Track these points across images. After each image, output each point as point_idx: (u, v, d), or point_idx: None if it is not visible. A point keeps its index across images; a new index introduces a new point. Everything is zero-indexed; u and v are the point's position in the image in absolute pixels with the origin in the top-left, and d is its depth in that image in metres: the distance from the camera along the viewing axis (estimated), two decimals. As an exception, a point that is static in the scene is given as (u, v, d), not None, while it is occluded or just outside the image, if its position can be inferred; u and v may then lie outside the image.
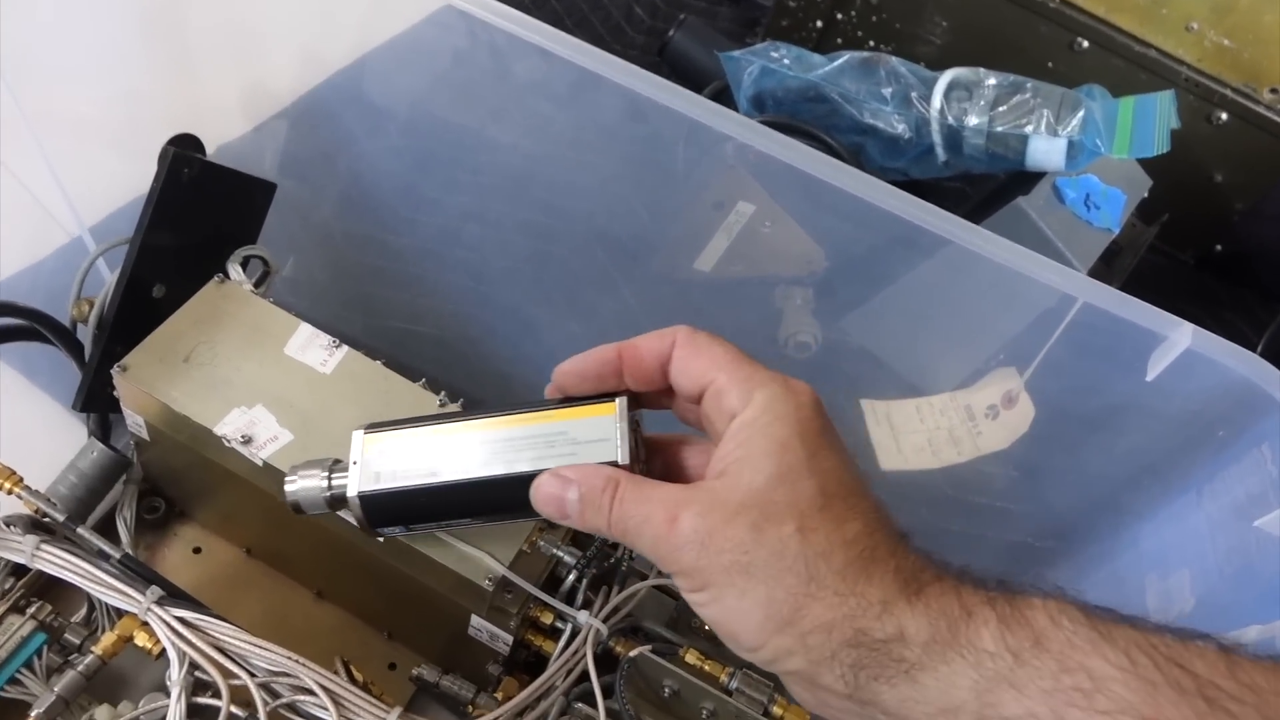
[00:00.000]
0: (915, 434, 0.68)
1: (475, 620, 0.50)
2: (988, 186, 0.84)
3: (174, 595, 0.44)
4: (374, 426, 0.44)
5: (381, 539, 0.46)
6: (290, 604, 0.59)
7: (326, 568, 0.57)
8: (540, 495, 0.39)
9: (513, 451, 0.41)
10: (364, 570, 0.52)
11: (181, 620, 0.43)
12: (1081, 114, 0.65)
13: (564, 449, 0.41)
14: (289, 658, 0.43)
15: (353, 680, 0.46)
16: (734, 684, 0.48)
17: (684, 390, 0.40)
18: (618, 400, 0.41)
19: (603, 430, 0.41)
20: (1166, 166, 0.74)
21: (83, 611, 0.50)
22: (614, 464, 0.40)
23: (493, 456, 0.41)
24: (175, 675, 0.42)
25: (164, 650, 0.43)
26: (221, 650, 0.43)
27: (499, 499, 0.41)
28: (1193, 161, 0.86)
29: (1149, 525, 0.60)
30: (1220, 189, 0.89)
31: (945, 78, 0.69)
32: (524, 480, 0.40)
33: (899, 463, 0.69)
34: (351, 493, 0.42)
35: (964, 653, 0.32)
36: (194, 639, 0.42)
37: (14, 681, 0.43)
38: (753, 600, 0.33)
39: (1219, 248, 0.93)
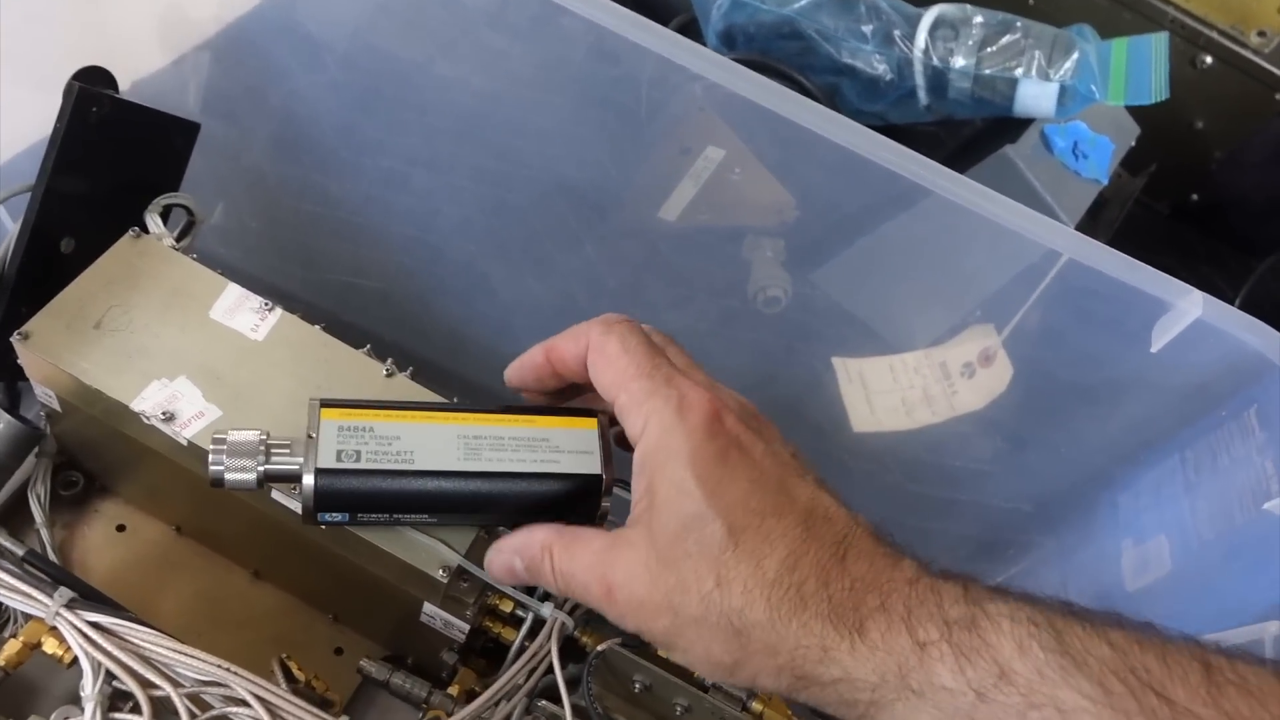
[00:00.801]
0: (889, 394, 0.65)
1: (428, 607, 0.46)
2: (964, 133, 0.80)
3: (87, 596, 0.40)
4: (331, 402, 0.41)
5: (323, 527, 0.42)
6: (225, 586, 0.55)
7: (263, 548, 0.53)
8: (496, 569, 0.39)
9: (493, 450, 0.40)
10: (303, 553, 0.48)
11: (95, 625, 0.38)
12: (1075, 57, 0.61)
13: (546, 454, 0.41)
14: (219, 665, 0.39)
15: (293, 681, 0.42)
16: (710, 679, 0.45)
17: (603, 400, 0.38)
18: (600, 416, 0.42)
19: (585, 442, 0.41)
20: (1146, 111, 0.71)
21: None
22: (595, 476, 0.40)
23: (471, 452, 0.40)
24: (89, 688, 0.37)
25: (76, 659, 0.38)
26: (142, 658, 0.38)
27: (474, 497, 0.40)
28: (1173, 107, 0.83)
29: (1128, 491, 0.58)
30: (1200, 136, 0.86)
31: (930, 15, 0.65)
32: (506, 479, 0.39)
33: (872, 424, 0.66)
34: (308, 470, 0.39)
35: (920, 693, 0.30)
36: (110, 646, 0.38)
37: (-94, 693, 0.38)
38: (699, 654, 0.33)
39: (1195, 197, 0.90)
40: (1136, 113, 0.75)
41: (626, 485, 0.44)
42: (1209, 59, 0.81)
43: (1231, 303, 0.83)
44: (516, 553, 0.38)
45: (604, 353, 0.37)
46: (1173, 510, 0.55)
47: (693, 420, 0.34)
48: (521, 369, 0.41)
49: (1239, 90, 0.82)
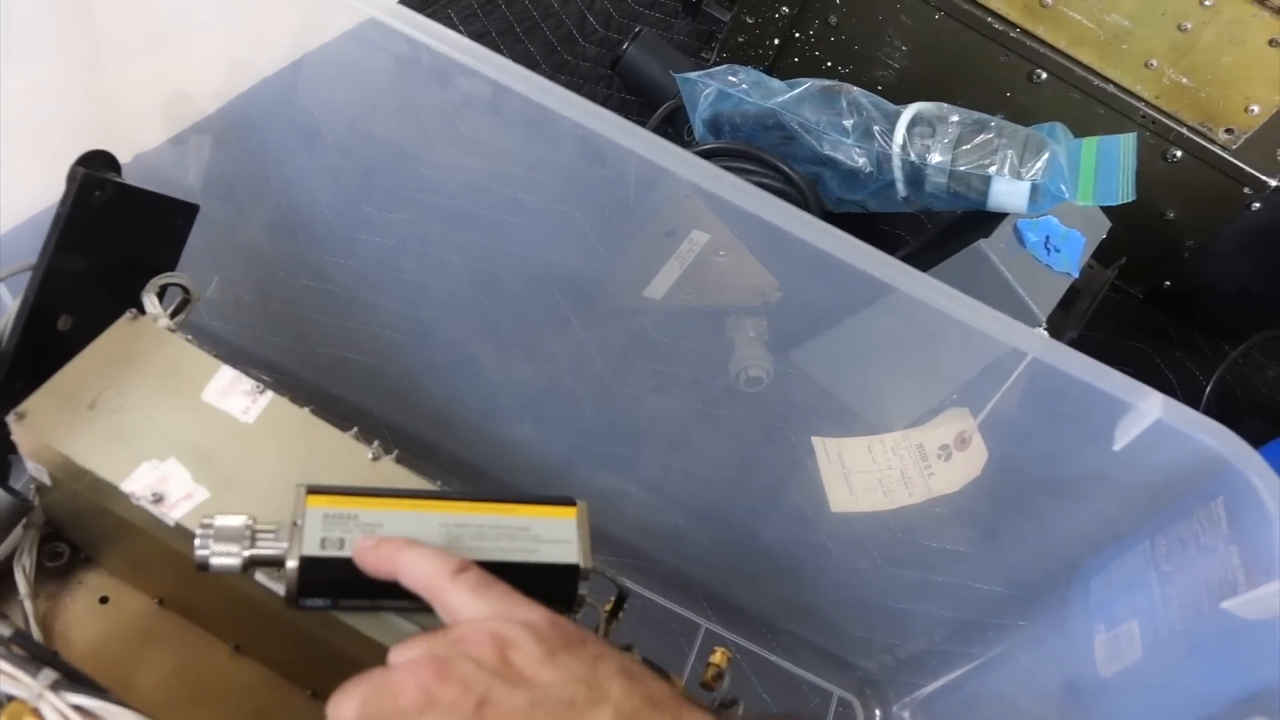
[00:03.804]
0: (867, 474, 0.66)
1: (407, 690, 0.47)
2: (945, 218, 0.83)
3: (70, 678, 0.40)
4: (317, 489, 0.42)
5: (304, 610, 0.42)
6: (205, 660, 0.55)
7: (244, 625, 0.53)
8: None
9: (474, 539, 0.41)
10: (285, 634, 0.49)
11: (77, 708, 0.39)
12: (1046, 157, 0.64)
13: (526, 543, 0.42)
14: (198, 749, 0.39)
15: (270, 763, 0.42)
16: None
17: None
18: (579, 505, 0.43)
19: (564, 531, 0.42)
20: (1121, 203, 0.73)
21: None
22: (573, 566, 0.41)
23: (452, 539, 0.41)
24: (69, 770, 0.38)
25: (57, 740, 0.39)
26: (122, 740, 0.39)
27: None
28: (1146, 198, 0.85)
29: (1099, 578, 0.59)
30: (1172, 226, 0.88)
31: (908, 113, 0.67)
32: (485, 568, 0.39)
33: (850, 504, 0.67)
34: (292, 556, 0.40)
35: None
36: (91, 729, 0.38)
37: (-116, 773, 0.38)
38: None
39: (1168, 284, 0.93)
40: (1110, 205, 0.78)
41: (602, 572, 0.46)
42: (1179, 153, 0.84)
43: (1203, 388, 0.86)
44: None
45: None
46: (1144, 596, 0.56)
47: None
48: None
49: (1209, 183, 0.85)
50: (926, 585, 0.66)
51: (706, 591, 0.68)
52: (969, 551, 0.64)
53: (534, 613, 0.36)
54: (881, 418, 0.65)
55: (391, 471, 0.48)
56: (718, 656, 0.52)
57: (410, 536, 0.41)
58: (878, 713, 0.67)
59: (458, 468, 0.66)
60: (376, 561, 0.39)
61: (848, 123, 0.68)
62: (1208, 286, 0.91)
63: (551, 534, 0.43)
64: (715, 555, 0.68)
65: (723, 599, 0.68)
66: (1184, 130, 0.83)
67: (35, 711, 0.39)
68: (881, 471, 0.66)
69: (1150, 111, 0.83)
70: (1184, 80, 0.81)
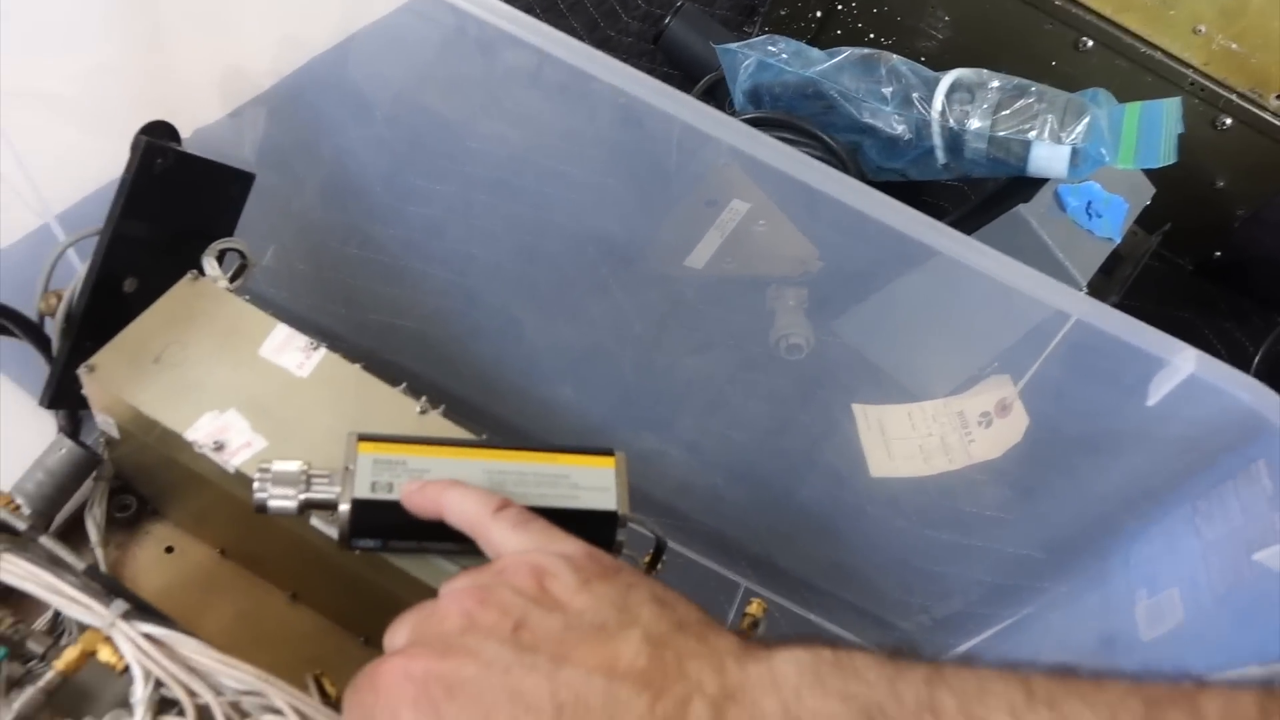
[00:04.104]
0: (907, 440, 0.67)
1: (454, 633, 0.49)
2: (988, 188, 0.83)
3: (140, 609, 0.43)
4: (368, 437, 0.44)
5: (357, 552, 0.45)
6: (264, 607, 0.58)
7: (301, 573, 0.56)
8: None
9: (515, 485, 0.43)
10: (339, 579, 0.51)
11: (147, 636, 0.41)
12: (1086, 120, 0.63)
13: (566, 490, 0.43)
14: (258, 676, 0.41)
15: (325, 696, 0.44)
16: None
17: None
18: (618, 455, 0.45)
19: (603, 480, 0.44)
20: (1168, 171, 0.73)
21: (47, 617, 0.49)
22: (611, 512, 0.43)
23: (495, 485, 0.43)
24: (139, 693, 0.40)
25: (128, 666, 0.41)
26: (188, 667, 0.41)
27: None
28: (1195, 166, 0.85)
29: (1140, 543, 0.59)
30: (1222, 195, 0.87)
31: (947, 79, 0.67)
32: None
33: (890, 470, 0.68)
34: (345, 499, 0.42)
35: None
36: (159, 656, 0.41)
37: (-29, 696, 0.41)
38: None
39: (1218, 254, 0.92)
40: (1158, 173, 0.77)
41: (640, 522, 0.47)
42: (1229, 120, 0.83)
43: (1251, 358, 0.85)
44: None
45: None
46: (1186, 561, 0.56)
47: (389, 709, 0.33)
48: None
49: (1259, 151, 0.84)
50: (964, 548, 0.67)
51: (745, 551, 0.70)
52: (1007, 517, 0.65)
53: (572, 545, 0.38)
54: (922, 385, 0.65)
55: (439, 424, 0.50)
56: (754, 607, 0.53)
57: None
58: (915, 672, 0.68)
59: (502, 429, 0.68)
60: (423, 502, 0.41)
61: (887, 90, 0.68)
62: (1259, 256, 0.90)
63: (591, 482, 0.44)
64: (754, 515, 0.69)
65: (761, 559, 0.70)
66: (1233, 97, 0.82)
67: (108, 640, 0.42)
68: (921, 438, 0.67)
69: (1199, 78, 0.82)
70: (1233, 46, 0.80)
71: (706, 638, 0.32)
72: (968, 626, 0.67)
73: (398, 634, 0.37)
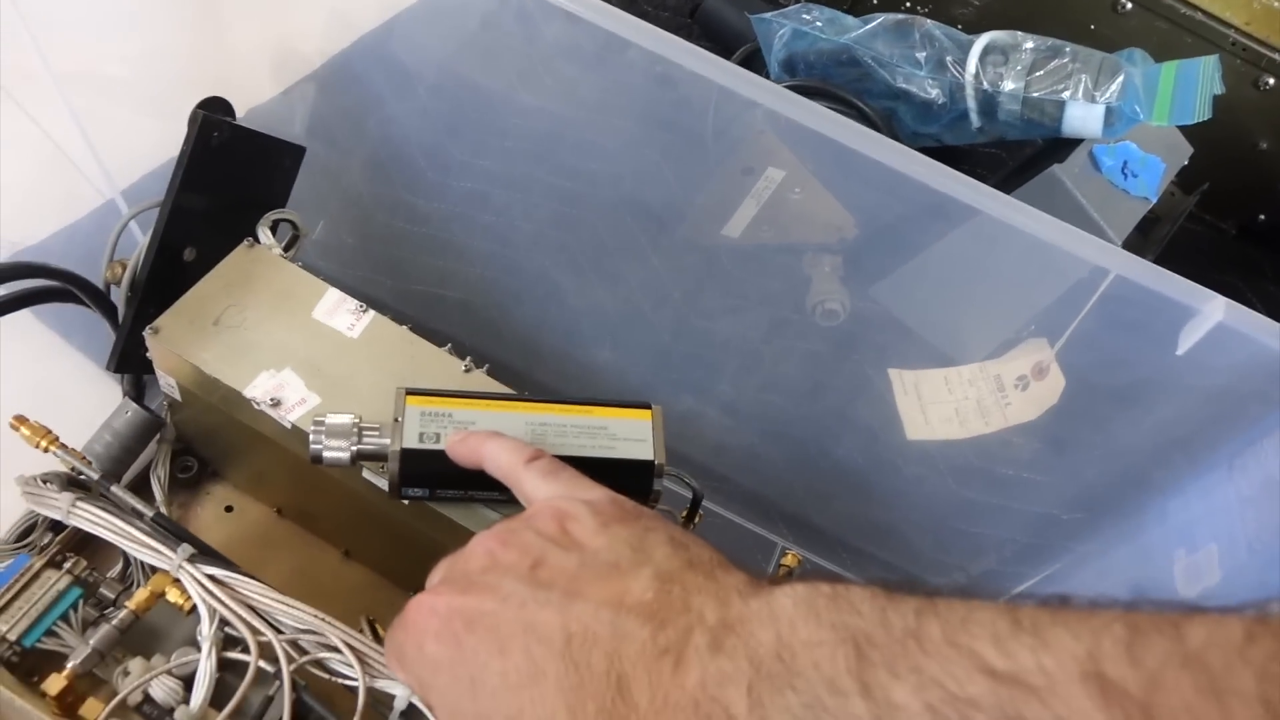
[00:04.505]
0: (943, 404, 0.68)
1: (500, 582, 0.51)
2: (1024, 152, 0.83)
3: (205, 553, 0.45)
4: (416, 391, 0.46)
5: (406, 501, 0.47)
6: (318, 563, 0.60)
7: (353, 528, 0.58)
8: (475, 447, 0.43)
9: (555, 436, 0.45)
10: (389, 531, 0.53)
11: (212, 578, 0.44)
12: (1120, 79, 0.64)
13: (604, 441, 0.45)
14: (315, 615, 0.44)
15: (377, 638, 0.47)
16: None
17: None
18: (654, 408, 0.47)
19: (640, 431, 0.46)
20: (1210, 133, 0.73)
21: (118, 567, 0.52)
22: (648, 461, 0.45)
23: (536, 437, 0.45)
24: (206, 630, 0.43)
25: (195, 606, 0.44)
26: (250, 607, 0.44)
27: None
28: (1237, 127, 0.84)
29: (1177, 499, 0.59)
30: (1265, 156, 0.86)
31: (981, 41, 0.68)
32: (568, 462, 0.42)
33: (925, 433, 0.68)
34: (394, 448, 0.44)
35: None
36: (224, 596, 0.44)
37: (51, 634, 0.44)
38: None
39: (1262, 217, 0.91)
40: (1198, 134, 0.76)
41: (677, 474, 0.49)
42: (1272, 80, 0.82)
43: (1295, 321, 0.84)
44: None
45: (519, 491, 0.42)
46: (1224, 519, 0.57)
47: (416, 641, 0.36)
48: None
49: (1303, 111, 0.83)
50: (998, 508, 0.67)
51: (782, 511, 0.71)
52: (1039, 476, 0.65)
53: (596, 492, 0.39)
54: (959, 349, 0.66)
55: (482, 380, 0.52)
56: (789, 558, 0.55)
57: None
58: (952, 628, 0.69)
59: (543, 392, 0.70)
60: (464, 451, 0.43)
61: (921, 55, 0.69)
62: (1304, 219, 0.89)
63: (628, 433, 0.46)
64: (790, 475, 0.70)
65: (798, 518, 0.71)
66: (1276, 56, 0.81)
67: (176, 581, 0.44)
68: (958, 402, 0.68)
69: (1240, 39, 0.81)
70: (1276, 4, 0.80)
71: (715, 575, 0.34)
72: (1002, 584, 0.67)
73: (434, 575, 0.39)
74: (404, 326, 0.54)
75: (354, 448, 0.46)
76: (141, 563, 0.48)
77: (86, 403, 0.61)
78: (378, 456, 0.46)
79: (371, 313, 0.53)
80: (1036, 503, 0.65)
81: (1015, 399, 0.66)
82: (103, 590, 0.47)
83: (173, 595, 0.44)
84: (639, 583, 0.33)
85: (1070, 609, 0.28)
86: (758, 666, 0.30)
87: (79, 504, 0.45)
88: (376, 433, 0.46)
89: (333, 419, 0.46)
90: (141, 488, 0.60)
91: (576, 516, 0.37)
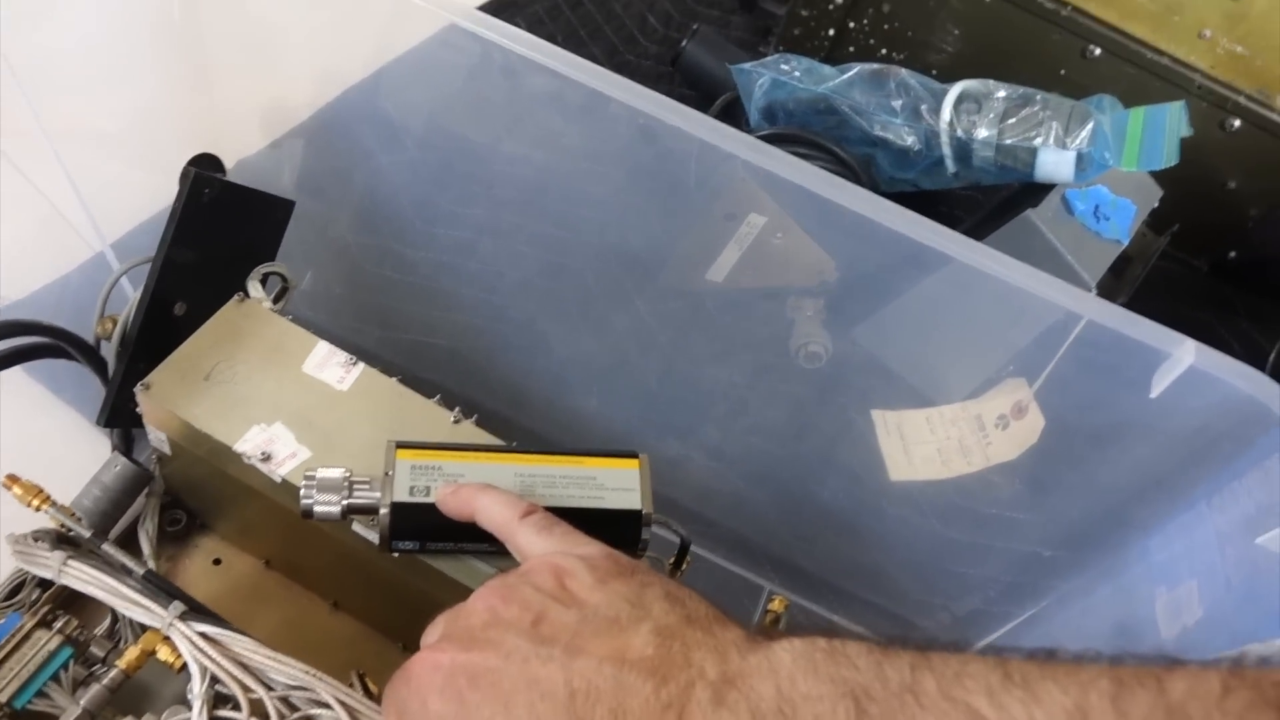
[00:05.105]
0: (925, 444, 0.69)
1: (489, 633, 0.51)
2: (999, 194, 0.85)
3: (196, 610, 0.46)
4: (406, 444, 0.46)
5: (396, 555, 0.47)
6: (307, 615, 0.60)
7: (342, 580, 0.58)
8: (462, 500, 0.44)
9: (545, 486, 0.46)
10: (378, 584, 0.53)
11: (203, 635, 0.44)
12: (1090, 126, 0.65)
13: (593, 491, 0.46)
14: (306, 672, 0.44)
15: (368, 693, 0.47)
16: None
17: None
18: (642, 457, 0.47)
19: (628, 481, 0.47)
20: (1179, 174, 0.75)
21: (106, 623, 0.52)
22: (636, 511, 0.46)
23: (526, 488, 0.45)
24: (196, 689, 0.43)
25: (185, 664, 0.44)
26: (241, 664, 0.44)
27: None
28: (1206, 168, 0.86)
29: (1157, 536, 0.60)
30: (1234, 195, 0.89)
31: (954, 90, 0.70)
32: (557, 514, 0.43)
33: (909, 473, 0.69)
34: (384, 503, 0.44)
35: None
36: (214, 653, 0.44)
37: (41, 694, 0.44)
38: None
39: (1233, 254, 0.93)
40: (1169, 175, 0.78)
41: (665, 522, 0.50)
42: (1237, 122, 0.84)
43: (1267, 355, 0.86)
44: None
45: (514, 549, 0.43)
46: (1203, 555, 0.57)
47: (419, 698, 0.36)
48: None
49: (1268, 151, 0.85)
50: (982, 547, 0.68)
51: (769, 554, 0.72)
52: (1023, 516, 0.66)
53: (592, 547, 0.40)
54: (940, 390, 0.67)
55: (471, 432, 0.53)
56: (776, 603, 0.55)
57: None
58: (939, 670, 0.70)
59: (531, 439, 0.70)
60: (456, 504, 0.44)
61: (896, 103, 0.71)
62: (1273, 256, 0.91)
63: (616, 483, 0.47)
64: (776, 518, 0.71)
65: (784, 561, 0.71)
66: (1241, 99, 0.84)
67: (166, 639, 0.45)
68: (940, 442, 0.68)
69: (1206, 82, 0.84)
70: (1239, 49, 0.82)
71: (713, 630, 0.34)
72: (987, 623, 0.68)
73: (432, 632, 0.40)
74: (394, 379, 0.54)
75: (345, 502, 0.46)
76: (130, 619, 0.48)
77: (76, 456, 0.61)
78: (368, 510, 0.46)
79: (361, 365, 0.54)
80: (1020, 541, 0.66)
81: (996, 438, 0.67)
82: (93, 648, 0.47)
83: (163, 653, 0.44)
84: (639, 638, 0.34)
85: (1058, 662, 0.29)
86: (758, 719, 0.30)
87: (70, 563, 0.45)
88: (367, 486, 0.47)
89: (323, 473, 0.47)
90: (129, 541, 0.60)
91: (574, 572, 0.38)
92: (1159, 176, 0.78)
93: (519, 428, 0.72)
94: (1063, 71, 0.87)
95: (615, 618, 0.35)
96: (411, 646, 0.59)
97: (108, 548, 0.47)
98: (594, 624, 0.35)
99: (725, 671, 0.32)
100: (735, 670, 0.32)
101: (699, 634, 0.34)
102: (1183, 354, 0.48)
